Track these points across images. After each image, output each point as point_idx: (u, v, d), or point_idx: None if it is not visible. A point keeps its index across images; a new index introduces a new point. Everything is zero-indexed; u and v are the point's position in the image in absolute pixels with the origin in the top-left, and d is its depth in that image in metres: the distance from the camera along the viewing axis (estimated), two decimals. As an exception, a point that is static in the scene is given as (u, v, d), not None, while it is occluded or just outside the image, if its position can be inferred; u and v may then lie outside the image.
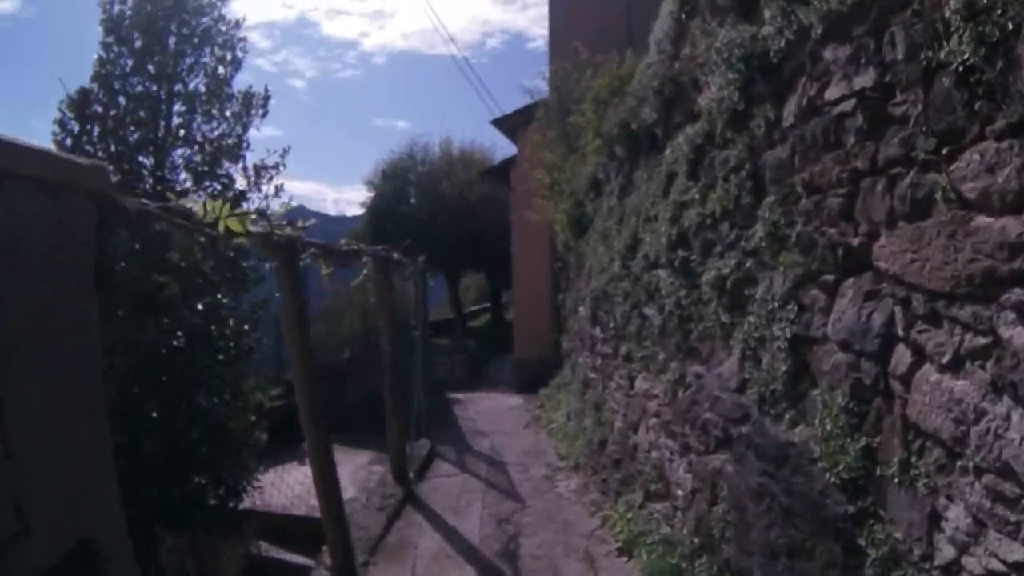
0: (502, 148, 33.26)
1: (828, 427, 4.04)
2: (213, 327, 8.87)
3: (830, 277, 4.15)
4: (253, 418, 10.11)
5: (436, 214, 30.77)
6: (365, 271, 7.97)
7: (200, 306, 8.49)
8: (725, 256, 5.44)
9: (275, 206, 9.92)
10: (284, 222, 5.20)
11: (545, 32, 20.13)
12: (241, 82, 9.81)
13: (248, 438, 9.87)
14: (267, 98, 9.97)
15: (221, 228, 4.25)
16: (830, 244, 4.11)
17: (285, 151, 9.82)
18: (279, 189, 9.76)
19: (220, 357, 8.79)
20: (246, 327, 9.23)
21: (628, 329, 7.87)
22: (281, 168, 9.79)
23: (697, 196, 5.91)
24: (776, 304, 4.69)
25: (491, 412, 16.18)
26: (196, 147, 9.61)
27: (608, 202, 9.09)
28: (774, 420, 4.71)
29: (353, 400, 14.10)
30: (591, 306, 9.98)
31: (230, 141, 9.59)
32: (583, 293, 11.08)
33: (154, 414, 8.53)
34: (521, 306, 21.14)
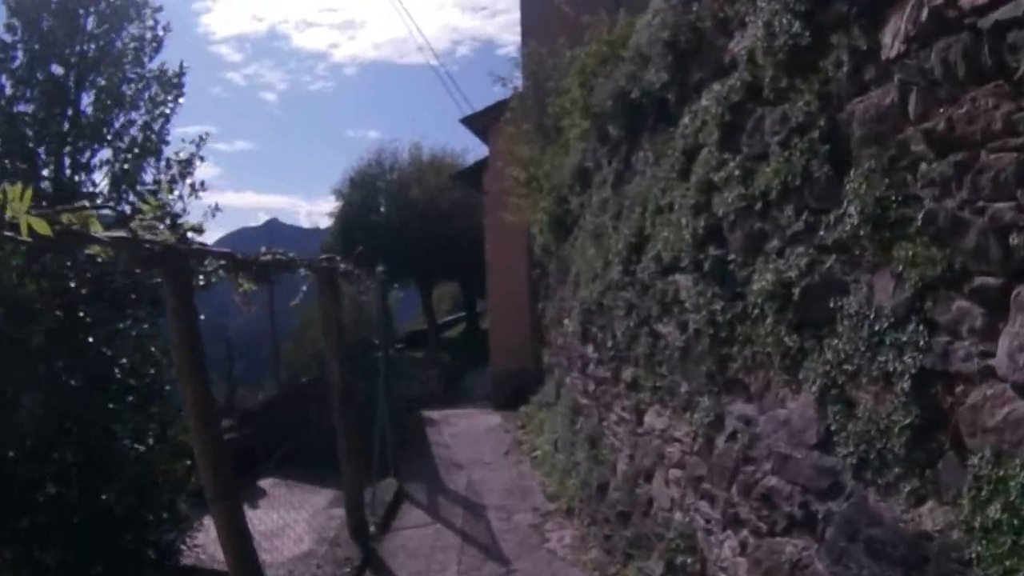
0: (474, 152, 32.10)
1: (994, 513, 2.53)
2: (125, 360, 7.26)
3: (993, 280, 2.62)
4: (188, 462, 8.63)
5: (407, 221, 29.81)
6: (304, 288, 6.34)
7: (91, 338, 6.86)
8: (788, 253, 3.88)
9: (196, 210, 8.34)
10: (160, 223, 3.57)
11: (515, 38, 18.99)
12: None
13: (184, 485, 8.40)
14: (181, 75, 8.28)
15: (24, 230, 2.65)
16: (996, 227, 2.56)
17: (202, 140, 8.13)
18: (196, 189, 8.00)
19: (130, 398, 7.17)
20: (165, 360, 7.59)
21: (634, 350, 6.26)
22: (197, 162, 8.06)
23: (737, 172, 4.35)
24: (885, 322, 3.13)
25: (468, 435, 14.78)
26: (110, 143, 7.93)
27: (600, 194, 7.51)
28: (882, 494, 3.16)
29: (320, 427, 12.66)
30: (580, 320, 8.36)
31: (136, 132, 7.91)
32: (569, 304, 9.49)
33: (68, 461, 7.10)
34: (497, 316, 19.96)
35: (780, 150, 3.93)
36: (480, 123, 19.56)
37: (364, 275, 8.39)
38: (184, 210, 7.80)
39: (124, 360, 7.25)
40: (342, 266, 6.77)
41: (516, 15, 19.42)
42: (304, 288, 6.22)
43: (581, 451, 8.37)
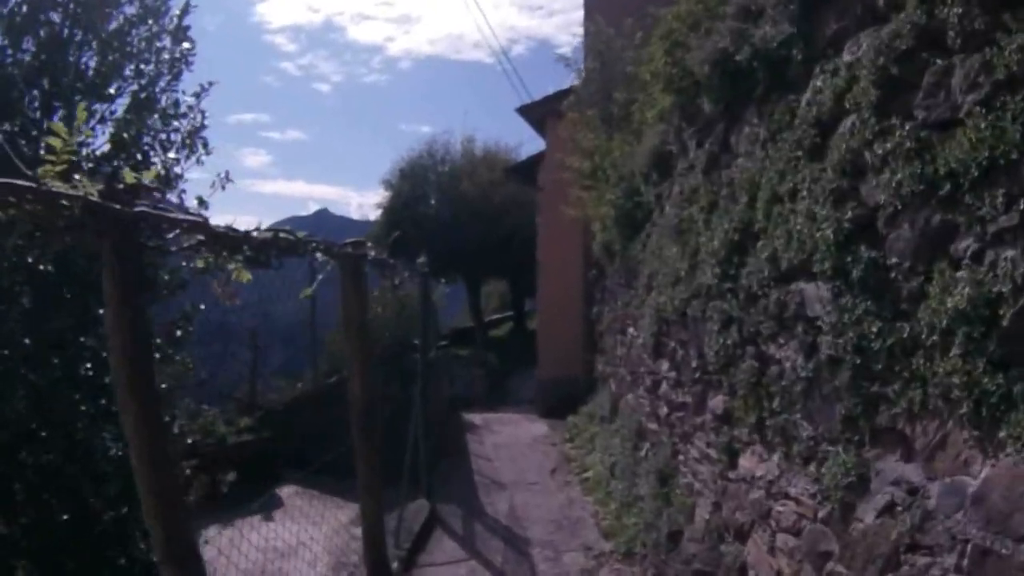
0: (527, 147, 31.04)
1: None
2: (105, 355, 6.22)
3: None
4: (188, 470, 7.69)
5: (456, 215, 28.70)
6: (321, 276, 5.20)
7: (54, 324, 5.84)
8: (991, 257, 2.68)
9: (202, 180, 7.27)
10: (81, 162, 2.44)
11: (571, 39, 18.23)
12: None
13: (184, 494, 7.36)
14: (185, 12, 6.94)
15: None
16: None
17: (204, 89, 6.84)
18: (195, 150, 6.68)
19: (103, 401, 6.12)
20: (158, 356, 6.49)
21: (731, 375, 5.04)
22: (197, 117, 6.80)
23: (908, 145, 3.14)
24: None
25: (511, 445, 13.61)
26: (101, 94, 6.76)
27: (685, 182, 6.33)
28: None
29: (349, 433, 11.60)
30: (654, 330, 7.16)
31: (132, 82, 6.72)
32: (636, 310, 8.30)
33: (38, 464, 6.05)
34: (547, 317, 18.91)
35: (981, 111, 2.74)
36: (537, 113, 18.47)
37: (402, 265, 7.21)
38: (181, 175, 6.58)
39: (104, 355, 6.21)
40: (371, 254, 5.61)
41: (573, 15, 18.53)
42: (320, 276, 5.09)
43: (646, 484, 7.15)
